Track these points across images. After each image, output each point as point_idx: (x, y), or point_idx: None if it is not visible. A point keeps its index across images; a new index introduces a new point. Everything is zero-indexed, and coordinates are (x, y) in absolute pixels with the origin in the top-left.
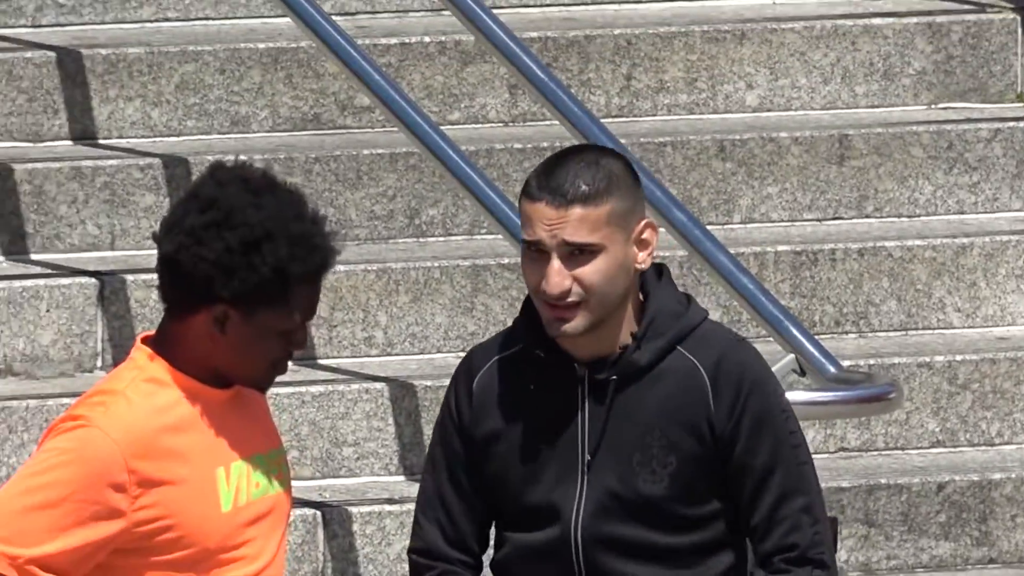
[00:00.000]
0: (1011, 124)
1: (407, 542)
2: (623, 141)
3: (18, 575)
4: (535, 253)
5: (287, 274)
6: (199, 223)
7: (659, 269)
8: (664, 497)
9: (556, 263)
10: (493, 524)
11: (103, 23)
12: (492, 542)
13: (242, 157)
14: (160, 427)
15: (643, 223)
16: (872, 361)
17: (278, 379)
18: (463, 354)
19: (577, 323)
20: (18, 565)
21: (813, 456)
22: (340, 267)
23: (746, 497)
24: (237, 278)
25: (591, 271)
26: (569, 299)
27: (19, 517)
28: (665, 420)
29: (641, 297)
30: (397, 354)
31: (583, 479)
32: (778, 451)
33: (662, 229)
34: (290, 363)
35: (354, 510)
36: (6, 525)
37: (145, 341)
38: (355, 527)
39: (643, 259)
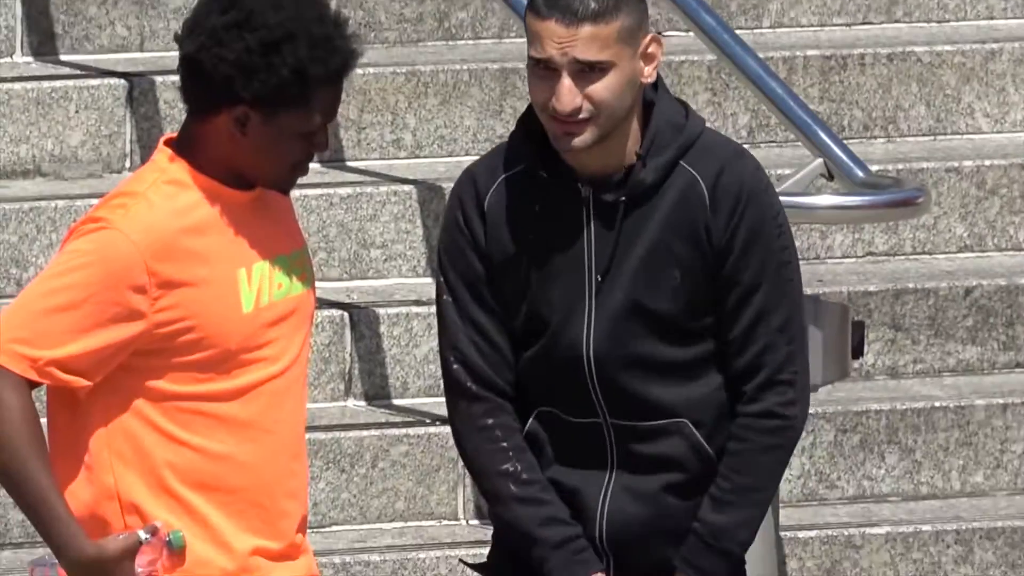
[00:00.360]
0: None
1: (434, 343)
2: None
3: (38, 376)
4: (543, 71)
5: (307, 75)
6: (220, 23)
7: (654, 83)
8: (669, 311)
9: (567, 81)
10: None
11: None
12: None
13: None
14: (180, 228)
15: (649, 37)
16: (900, 166)
17: (307, 180)
18: None
19: (586, 137)
20: (39, 367)
21: (839, 262)
22: (369, 69)
23: (728, 310)
24: (257, 79)
25: (601, 88)
26: (580, 115)
27: (40, 319)
28: (669, 235)
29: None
30: (425, 156)
31: (592, 299)
32: (765, 267)
33: (691, 33)
34: (319, 165)
35: (381, 311)
36: (26, 327)
37: (168, 143)
38: (382, 328)
39: (649, 72)
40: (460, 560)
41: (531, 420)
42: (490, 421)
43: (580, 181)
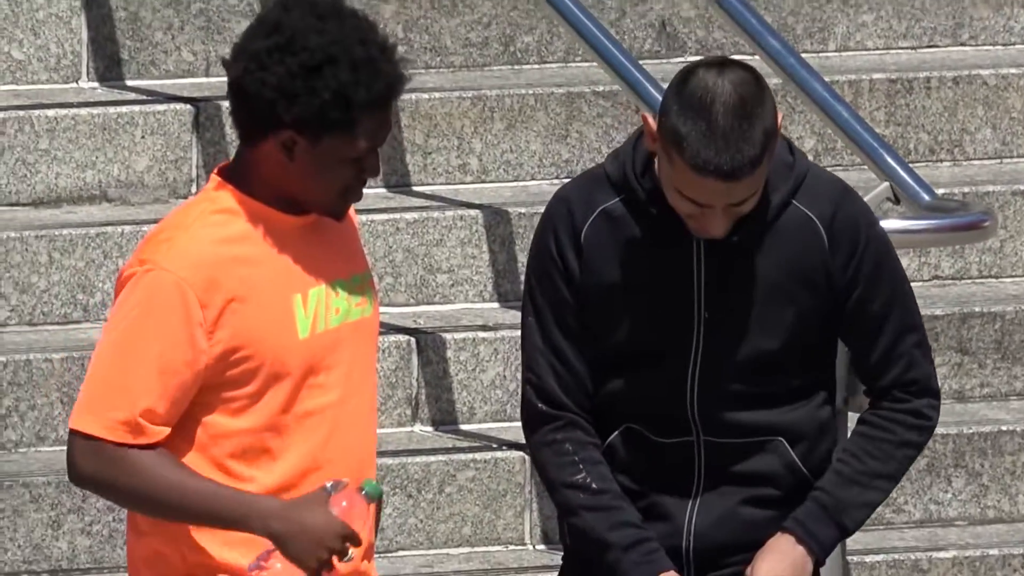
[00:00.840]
0: None
1: (500, 368)
2: None
3: (133, 439)
4: (697, 204)
5: (350, 100)
6: (263, 48)
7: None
8: (779, 350)
9: (721, 216)
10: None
11: None
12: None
13: None
14: (230, 257)
15: (779, 117)
16: (966, 189)
17: (373, 206)
18: (557, 181)
19: (720, 230)
20: (131, 429)
21: None
22: (435, 94)
23: (863, 338)
24: (299, 103)
25: (750, 205)
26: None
27: (118, 382)
28: (785, 275)
29: None
30: (491, 181)
31: (699, 336)
32: (894, 294)
33: (756, 56)
34: (385, 190)
35: (448, 336)
36: (108, 394)
37: (220, 171)
38: (449, 353)
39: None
40: None
41: (615, 435)
42: (560, 436)
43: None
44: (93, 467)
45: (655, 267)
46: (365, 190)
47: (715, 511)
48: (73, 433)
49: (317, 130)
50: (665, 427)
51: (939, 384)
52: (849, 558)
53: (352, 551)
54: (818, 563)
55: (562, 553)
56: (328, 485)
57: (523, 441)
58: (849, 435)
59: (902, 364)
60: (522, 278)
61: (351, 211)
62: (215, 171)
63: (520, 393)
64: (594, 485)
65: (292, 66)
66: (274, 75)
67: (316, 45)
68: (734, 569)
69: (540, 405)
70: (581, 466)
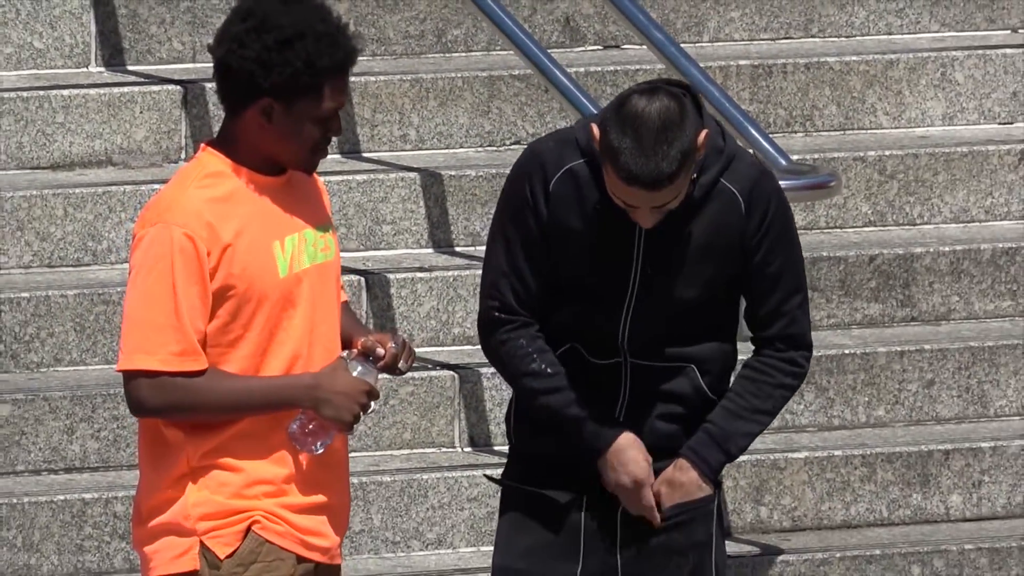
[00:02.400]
0: None
1: (435, 303)
2: None
3: (189, 365)
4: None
5: (316, 66)
6: (240, 30)
7: (696, 101)
8: (699, 297)
9: (648, 213)
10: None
11: None
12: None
13: None
14: (222, 212)
15: (702, 136)
16: (816, 155)
17: (330, 169)
18: (481, 150)
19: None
20: (183, 358)
21: None
22: (380, 77)
23: (758, 294)
24: (275, 71)
25: (674, 203)
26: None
27: (155, 323)
28: (711, 236)
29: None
30: (427, 149)
31: (635, 283)
32: (787, 260)
33: (644, 46)
34: (339, 156)
35: (391, 276)
36: (152, 335)
37: (209, 143)
38: (392, 291)
39: (699, 155)
40: (485, 475)
41: (560, 351)
42: (513, 335)
43: None
44: (161, 399)
45: (606, 222)
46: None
47: (636, 422)
48: (132, 373)
49: (290, 95)
50: (600, 350)
51: (810, 336)
52: None
53: (374, 404)
54: (714, 482)
55: (491, 453)
56: (344, 354)
57: (454, 362)
58: (735, 376)
59: (786, 320)
60: (452, 229)
61: (316, 177)
62: (204, 144)
63: (479, 307)
64: (548, 370)
65: (267, 41)
66: (252, 50)
67: (286, 23)
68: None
69: (497, 314)
70: (535, 355)
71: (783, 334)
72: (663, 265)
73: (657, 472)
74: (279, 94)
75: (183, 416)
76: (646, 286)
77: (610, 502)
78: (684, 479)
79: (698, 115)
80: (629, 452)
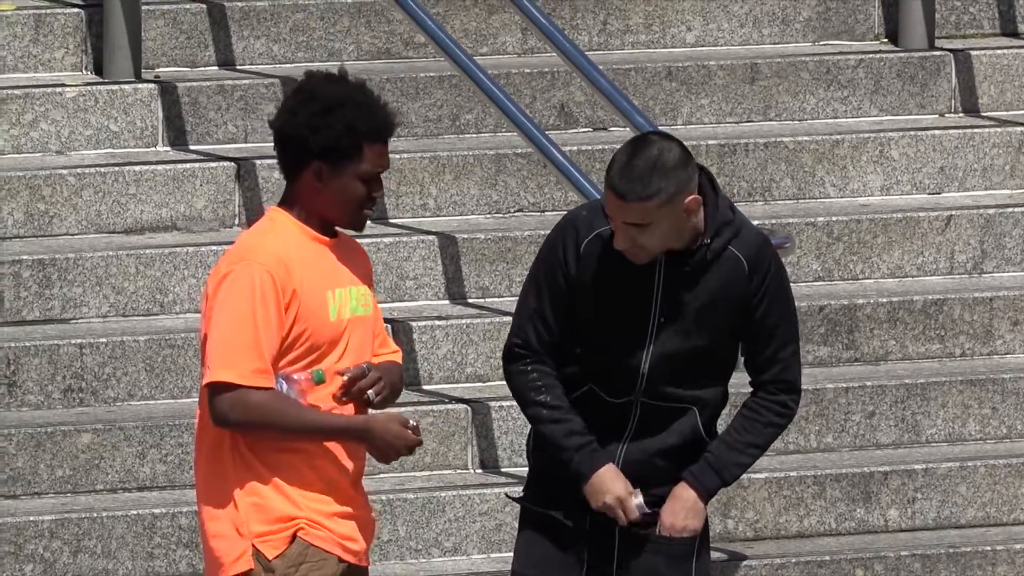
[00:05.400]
0: (870, 56)
1: (450, 347)
2: (601, 66)
3: (262, 382)
4: (610, 220)
5: (356, 130)
6: (295, 102)
7: (711, 180)
8: (708, 346)
9: (619, 231)
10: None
11: None
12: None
13: None
14: (292, 259)
15: (691, 198)
16: (773, 220)
17: (366, 231)
18: (490, 217)
19: (642, 258)
20: (261, 375)
21: None
22: (404, 155)
23: (757, 344)
24: (321, 134)
25: (645, 237)
26: (634, 250)
27: (242, 343)
28: (718, 295)
29: (703, 207)
30: (443, 216)
31: (653, 333)
32: (783, 315)
33: (627, 128)
34: (369, 222)
35: (413, 324)
36: (239, 353)
37: (277, 206)
38: (414, 336)
39: (691, 218)
40: (506, 495)
41: (580, 391)
42: (529, 367)
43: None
44: (240, 414)
45: (628, 279)
46: None
47: (636, 455)
48: (215, 386)
49: (335, 157)
50: (616, 391)
51: (800, 383)
52: None
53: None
54: (706, 503)
55: (520, 473)
56: (411, 421)
57: (467, 397)
58: (736, 414)
59: (780, 366)
60: (465, 284)
61: (361, 248)
62: (272, 207)
63: (505, 343)
64: (552, 402)
65: (314, 108)
66: (302, 117)
67: (330, 94)
68: (649, 497)
69: (518, 349)
70: (543, 388)
71: (777, 379)
72: (677, 316)
73: (655, 496)
74: (326, 156)
75: (257, 432)
76: (662, 335)
77: (610, 524)
78: (685, 496)
79: (713, 191)
80: (607, 475)
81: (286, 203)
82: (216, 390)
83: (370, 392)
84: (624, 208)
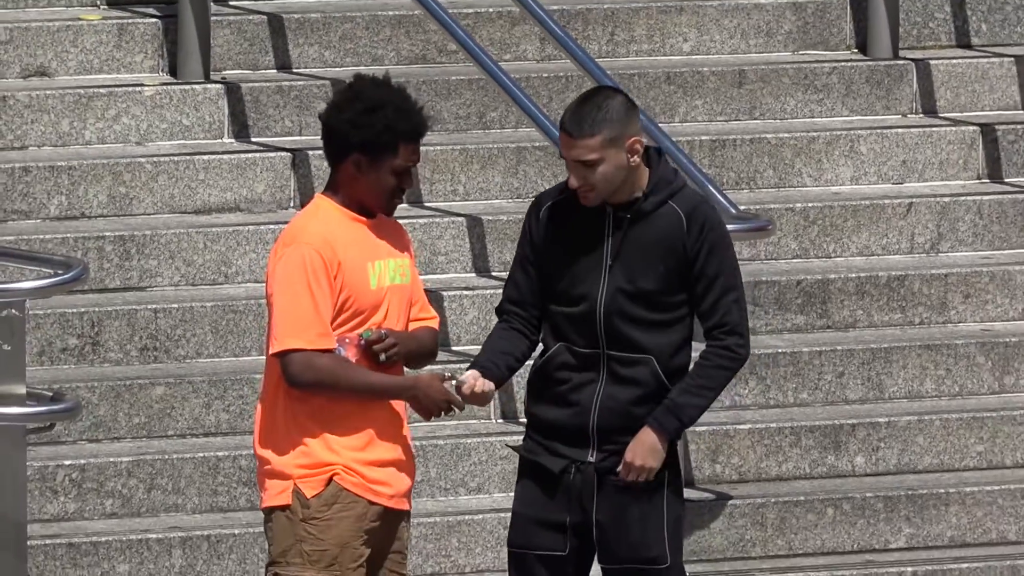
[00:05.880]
0: (843, 64)
1: (476, 313)
2: (609, 71)
3: (325, 344)
4: (565, 161)
5: (394, 130)
6: (340, 100)
7: (659, 152)
8: (653, 289)
9: (572, 170)
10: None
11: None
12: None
13: None
14: (336, 238)
15: (632, 140)
16: (757, 206)
17: (400, 215)
18: (511, 201)
19: (592, 199)
20: (322, 339)
21: None
22: (437, 147)
23: (700, 292)
24: (363, 132)
25: (594, 175)
26: (585, 187)
27: (302, 314)
28: (657, 244)
29: (649, 169)
30: (471, 200)
31: (605, 277)
32: (722, 265)
33: None
34: (407, 206)
35: (444, 294)
36: (301, 321)
37: (322, 193)
38: (444, 304)
39: (634, 160)
40: (506, 444)
41: (556, 346)
42: (503, 328)
43: (606, 204)
44: (310, 376)
45: (582, 232)
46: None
47: (609, 404)
48: (286, 354)
49: (373, 151)
50: (584, 341)
51: (747, 331)
52: (687, 428)
53: (455, 411)
54: (671, 443)
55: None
56: (446, 374)
57: None
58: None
59: (721, 312)
60: (489, 259)
61: (399, 225)
62: (318, 193)
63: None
64: (482, 351)
65: (358, 108)
66: (347, 115)
67: (374, 96)
68: (619, 446)
69: (500, 304)
70: (495, 341)
71: (719, 324)
72: (624, 260)
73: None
74: (365, 150)
75: (324, 391)
76: (613, 279)
77: (592, 470)
78: (647, 439)
79: (658, 158)
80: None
81: (330, 189)
82: (286, 357)
83: (382, 355)
84: (573, 145)
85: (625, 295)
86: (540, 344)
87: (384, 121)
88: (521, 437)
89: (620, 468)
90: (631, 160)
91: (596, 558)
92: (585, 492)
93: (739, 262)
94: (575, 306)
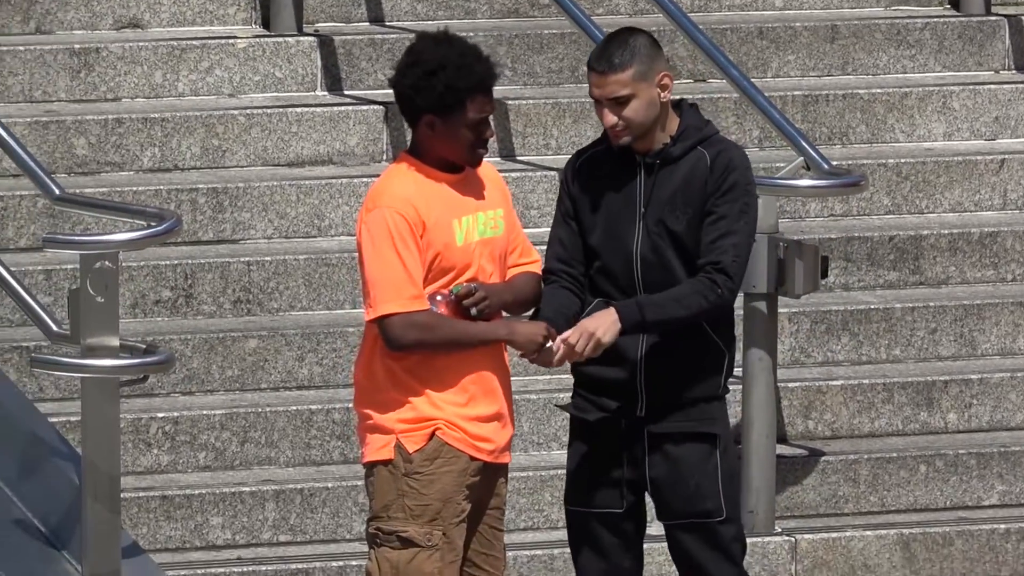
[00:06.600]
0: (935, 19)
1: None
2: (701, 27)
3: (419, 305)
4: (596, 102)
5: (456, 88)
6: (403, 64)
7: (692, 104)
8: (682, 231)
9: (606, 108)
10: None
11: None
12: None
13: (470, 34)
14: (419, 198)
15: (661, 74)
16: (850, 162)
17: (498, 166)
18: None
19: (625, 139)
20: (416, 300)
21: (813, 220)
22: (530, 101)
23: (706, 228)
24: (426, 95)
25: (628, 111)
26: (618, 128)
27: (394, 277)
28: (686, 186)
29: (679, 119)
30: (563, 154)
31: (640, 221)
32: (732, 210)
33: (724, 80)
34: (499, 158)
35: (538, 246)
36: (394, 285)
37: (405, 152)
38: (536, 252)
39: (665, 96)
40: (554, 404)
41: (594, 303)
42: (554, 287)
43: (636, 153)
44: (411, 336)
45: (614, 185)
46: (491, 158)
47: (655, 354)
48: (385, 318)
49: (441, 111)
50: (623, 291)
51: (739, 275)
52: (779, 384)
53: (550, 343)
54: (623, 331)
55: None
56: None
57: None
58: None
59: (717, 251)
60: None
61: (496, 174)
62: (402, 152)
63: None
64: (546, 307)
65: (418, 72)
66: (409, 80)
67: (431, 59)
68: (668, 398)
69: (544, 275)
70: (547, 300)
71: (711, 260)
72: (656, 205)
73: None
74: (434, 111)
75: (426, 349)
76: (647, 222)
77: (641, 424)
78: (606, 315)
79: (690, 108)
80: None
81: (411, 148)
82: (385, 322)
83: (473, 309)
84: (605, 83)
85: (660, 241)
86: None
87: (444, 82)
88: (555, 399)
89: (568, 333)
90: (662, 96)
91: (655, 513)
92: (637, 448)
93: (832, 217)
94: (612, 257)
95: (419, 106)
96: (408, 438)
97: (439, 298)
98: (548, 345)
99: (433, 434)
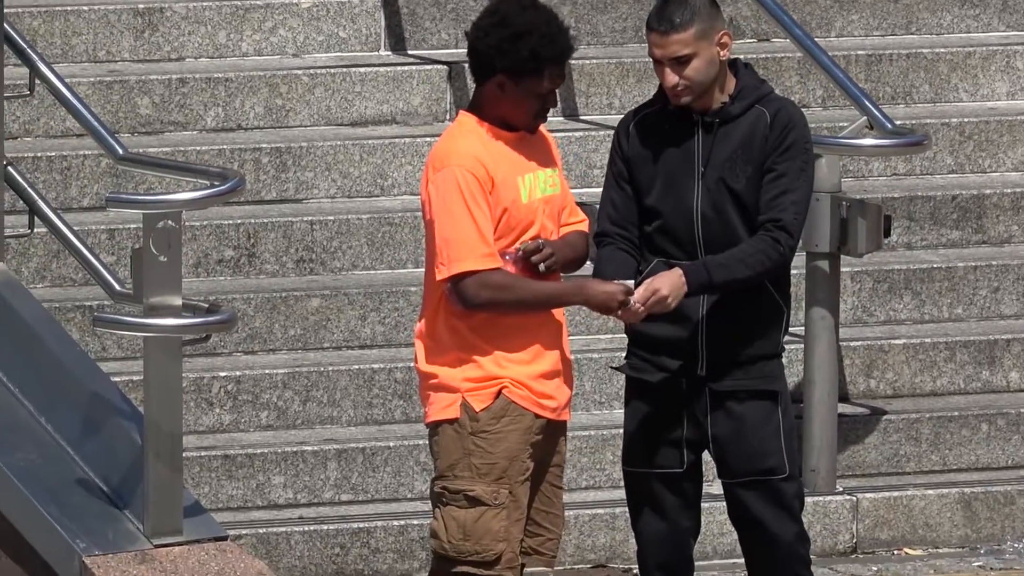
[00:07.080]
0: None
1: None
2: None
3: (493, 263)
4: (657, 63)
5: (539, 56)
6: (487, 23)
7: (747, 64)
8: (742, 189)
9: (667, 68)
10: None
11: None
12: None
13: None
14: (485, 155)
15: (721, 33)
16: (913, 121)
17: (557, 127)
18: None
19: (686, 99)
20: (492, 257)
21: (876, 179)
22: (593, 60)
23: (764, 189)
24: (508, 57)
25: (689, 70)
26: (679, 87)
27: (466, 237)
28: (745, 144)
29: (736, 78)
30: None
31: (699, 180)
32: (791, 167)
33: (787, 40)
34: (563, 118)
35: (598, 207)
36: (466, 245)
37: (465, 110)
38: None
39: (724, 55)
40: (610, 367)
41: (654, 262)
42: (611, 249)
43: (693, 112)
44: (485, 295)
45: (672, 144)
46: (554, 118)
47: (716, 313)
48: (459, 277)
49: (518, 75)
50: (684, 254)
51: (799, 231)
52: (841, 343)
53: (630, 299)
54: (689, 292)
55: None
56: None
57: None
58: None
59: (776, 210)
60: None
61: (547, 135)
62: (461, 110)
63: None
64: (607, 265)
65: (504, 34)
66: (493, 39)
67: (520, 22)
68: (730, 356)
69: (598, 238)
70: (605, 255)
71: (771, 218)
72: (715, 164)
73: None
74: (510, 73)
75: (498, 309)
76: (706, 180)
77: (703, 383)
78: (674, 275)
79: (746, 69)
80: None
81: (473, 105)
82: (458, 281)
83: (541, 265)
84: (666, 43)
85: (720, 198)
86: None
87: (529, 47)
88: (613, 361)
89: (640, 291)
90: (721, 55)
91: (716, 472)
92: (699, 407)
93: (895, 176)
94: (672, 216)
95: (496, 67)
96: (474, 396)
97: (507, 256)
98: (630, 302)
99: (499, 392)
